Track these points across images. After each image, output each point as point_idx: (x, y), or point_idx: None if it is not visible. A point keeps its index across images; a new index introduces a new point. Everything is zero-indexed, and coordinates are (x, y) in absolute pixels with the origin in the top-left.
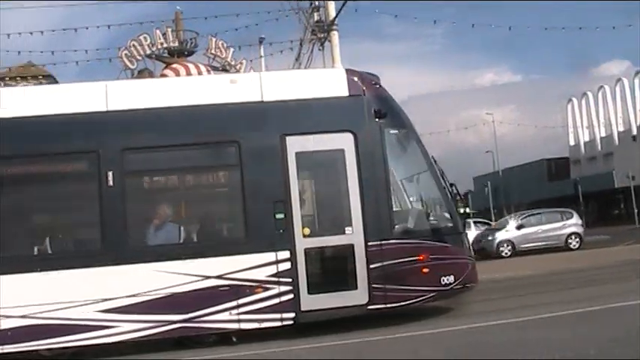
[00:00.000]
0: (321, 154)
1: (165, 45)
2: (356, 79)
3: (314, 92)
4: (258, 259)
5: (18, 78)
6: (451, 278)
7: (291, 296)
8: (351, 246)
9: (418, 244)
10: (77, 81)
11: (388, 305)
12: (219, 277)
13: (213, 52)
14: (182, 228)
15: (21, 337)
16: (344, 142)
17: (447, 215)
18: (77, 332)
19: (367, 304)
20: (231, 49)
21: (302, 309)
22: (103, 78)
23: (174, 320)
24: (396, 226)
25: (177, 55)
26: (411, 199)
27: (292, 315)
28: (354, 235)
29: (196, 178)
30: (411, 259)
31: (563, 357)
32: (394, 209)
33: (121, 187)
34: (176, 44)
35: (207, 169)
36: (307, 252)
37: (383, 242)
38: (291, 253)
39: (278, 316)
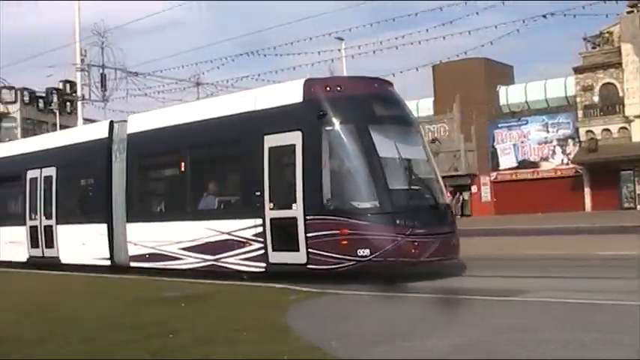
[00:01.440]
0: (282, 148)
1: None
2: (310, 87)
3: (282, 100)
4: (247, 223)
5: None
6: (367, 251)
7: (263, 251)
8: (295, 218)
9: (340, 221)
10: None
11: (320, 267)
12: (228, 233)
13: None
14: (216, 199)
15: (150, 259)
16: (295, 138)
17: (373, 198)
18: (169, 260)
19: (306, 264)
20: None
21: (270, 261)
22: None
23: (208, 259)
24: (325, 206)
25: None
26: (340, 183)
27: (264, 265)
28: (297, 210)
29: (217, 166)
30: (334, 232)
31: None
32: (324, 192)
33: (188, 172)
34: None
35: (226, 160)
36: (272, 221)
37: (315, 217)
38: (263, 221)
39: (258, 264)
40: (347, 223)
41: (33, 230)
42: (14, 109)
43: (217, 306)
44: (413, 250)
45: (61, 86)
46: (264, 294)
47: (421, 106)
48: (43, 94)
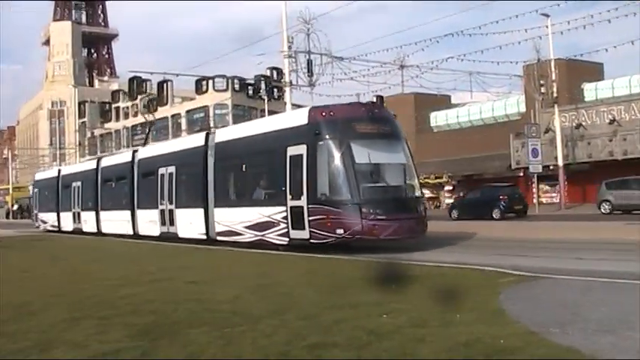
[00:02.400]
0: (296, 156)
1: None
2: (312, 113)
3: (296, 122)
4: (278, 209)
5: None
6: (342, 231)
7: (287, 230)
8: (302, 207)
9: (327, 209)
10: None
11: (316, 241)
12: (268, 216)
13: None
14: (262, 192)
15: (227, 235)
16: (302, 150)
17: (346, 193)
18: (237, 235)
19: (309, 239)
20: None
21: (291, 237)
22: None
23: (258, 235)
24: (318, 198)
25: None
26: (327, 182)
27: (287, 239)
28: (303, 201)
29: (263, 168)
30: (323, 217)
31: None
32: (318, 188)
33: (247, 172)
34: None
35: (267, 163)
36: (291, 208)
37: (313, 206)
38: (286, 208)
39: (284, 239)
40: (330, 210)
41: (162, 213)
42: (226, 97)
43: (427, 288)
44: (374, 231)
45: (268, 73)
46: (473, 277)
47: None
48: (252, 82)
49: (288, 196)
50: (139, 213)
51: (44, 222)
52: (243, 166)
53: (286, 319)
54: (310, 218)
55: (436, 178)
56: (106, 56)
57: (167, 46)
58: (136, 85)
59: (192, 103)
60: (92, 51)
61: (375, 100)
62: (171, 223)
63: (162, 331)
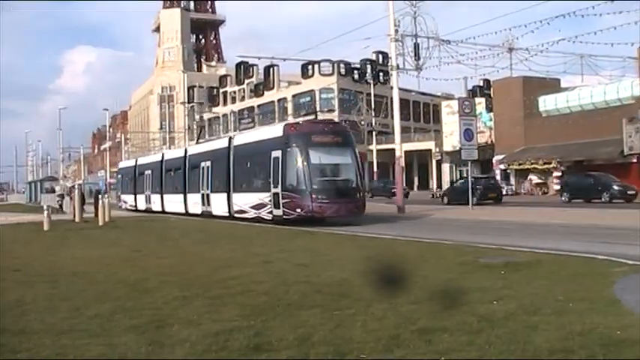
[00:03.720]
0: (276, 158)
1: None
2: (285, 127)
3: (276, 134)
4: (267, 194)
5: None
6: (299, 210)
7: (271, 209)
8: (278, 193)
9: (291, 195)
10: None
11: (287, 217)
12: (261, 199)
13: None
14: (259, 182)
15: (240, 213)
16: (279, 153)
17: (302, 184)
18: (245, 213)
19: (282, 216)
20: None
21: (274, 214)
22: None
23: (257, 213)
24: (287, 187)
25: None
26: (292, 176)
27: (272, 216)
28: (279, 189)
29: (259, 165)
30: (289, 200)
31: None
32: (287, 181)
33: (250, 167)
34: None
35: (256, 163)
36: (273, 194)
37: (284, 192)
38: (271, 194)
39: (270, 216)
40: (293, 196)
41: (203, 196)
42: (332, 81)
43: (539, 275)
44: (319, 211)
45: (374, 57)
46: (586, 265)
47: None
48: (358, 66)
49: (272, 186)
50: (189, 196)
51: (125, 202)
52: (248, 163)
53: (396, 302)
54: (283, 201)
55: (544, 163)
56: (214, 42)
57: (273, 31)
58: (243, 70)
59: (298, 87)
60: (200, 37)
61: (481, 83)
62: (208, 204)
63: (275, 312)
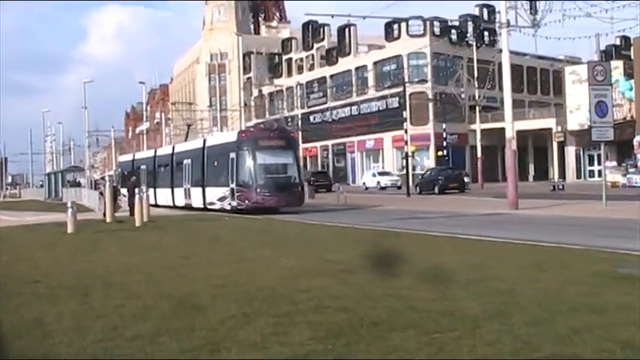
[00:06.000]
0: (233, 159)
1: None
2: (238, 133)
3: (233, 138)
4: (228, 189)
5: None
6: (247, 202)
7: (230, 201)
8: (234, 187)
9: (242, 189)
10: None
11: (238, 208)
12: (223, 192)
13: None
14: (223, 178)
15: (212, 204)
16: (234, 155)
17: (250, 180)
18: (215, 205)
19: (237, 206)
20: None
21: (232, 205)
22: None
23: (221, 204)
24: (239, 182)
25: None
26: (243, 174)
27: (231, 207)
28: (234, 184)
29: (223, 164)
30: (241, 193)
31: None
32: (238, 177)
33: (217, 166)
34: None
35: (221, 162)
36: (231, 188)
37: (238, 187)
38: (230, 188)
39: (230, 207)
40: (243, 190)
41: (185, 190)
42: (423, 44)
43: None
44: (262, 202)
45: (477, 13)
46: None
47: None
48: (457, 24)
49: (230, 181)
50: (175, 190)
51: (124, 196)
52: (216, 162)
53: (510, 323)
54: (237, 194)
55: None
56: None
57: None
58: (312, 31)
59: (380, 52)
60: None
61: (618, 42)
62: (188, 197)
63: (358, 334)
